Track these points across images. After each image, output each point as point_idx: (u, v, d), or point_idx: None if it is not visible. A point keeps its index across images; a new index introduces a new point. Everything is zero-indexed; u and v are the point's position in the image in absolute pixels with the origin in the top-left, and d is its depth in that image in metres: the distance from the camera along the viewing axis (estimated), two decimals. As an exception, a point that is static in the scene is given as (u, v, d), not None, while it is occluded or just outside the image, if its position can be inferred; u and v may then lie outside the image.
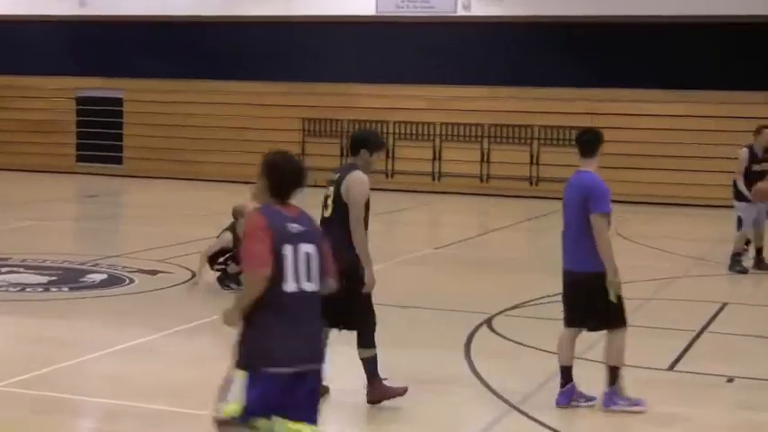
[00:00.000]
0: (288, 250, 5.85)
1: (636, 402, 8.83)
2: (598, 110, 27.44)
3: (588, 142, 9.41)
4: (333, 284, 6.11)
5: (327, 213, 8.75)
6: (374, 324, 8.86)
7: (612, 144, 27.22)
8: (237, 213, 13.87)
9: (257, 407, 5.77)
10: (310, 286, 5.89)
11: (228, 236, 13.74)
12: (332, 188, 8.76)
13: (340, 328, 8.77)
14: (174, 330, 11.52)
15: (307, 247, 5.92)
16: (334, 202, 8.72)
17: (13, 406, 8.67)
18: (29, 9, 32.26)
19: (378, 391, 8.82)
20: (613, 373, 8.83)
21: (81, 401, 8.91)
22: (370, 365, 8.83)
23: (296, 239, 5.89)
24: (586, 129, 9.67)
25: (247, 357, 5.81)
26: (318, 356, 5.98)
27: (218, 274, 13.78)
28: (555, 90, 27.92)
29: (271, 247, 5.80)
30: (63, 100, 32.13)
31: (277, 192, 6.00)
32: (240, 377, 5.80)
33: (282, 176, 6.01)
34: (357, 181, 8.68)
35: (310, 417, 5.93)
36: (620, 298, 8.79)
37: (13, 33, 32.61)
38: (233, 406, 5.82)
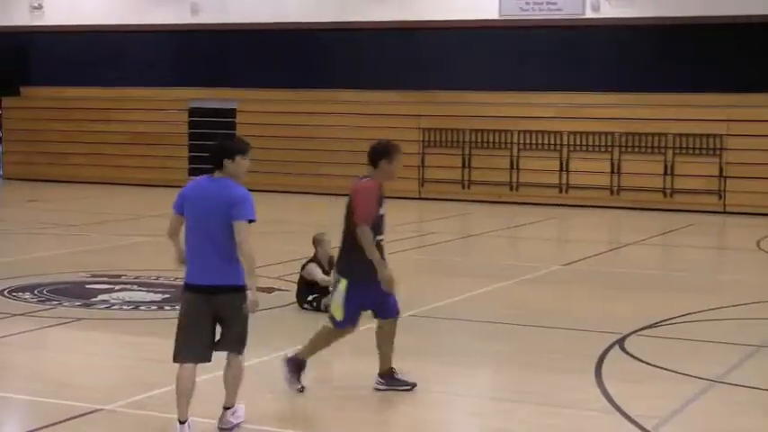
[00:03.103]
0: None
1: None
2: (736, 116, 27.04)
3: None
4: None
5: None
6: None
7: (750, 153, 26.92)
8: (317, 242, 13.97)
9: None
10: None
11: (313, 269, 13.74)
12: None
13: None
14: (289, 350, 11.64)
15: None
16: None
17: (128, 428, 8.87)
18: (139, 19, 32.97)
19: None
20: None
21: (196, 423, 9.07)
22: None
23: None
24: None
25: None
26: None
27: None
28: (690, 96, 27.59)
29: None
30: (175, 112, 32.73)
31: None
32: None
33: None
34: None
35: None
36: None
37: (123, 44, 33.34)
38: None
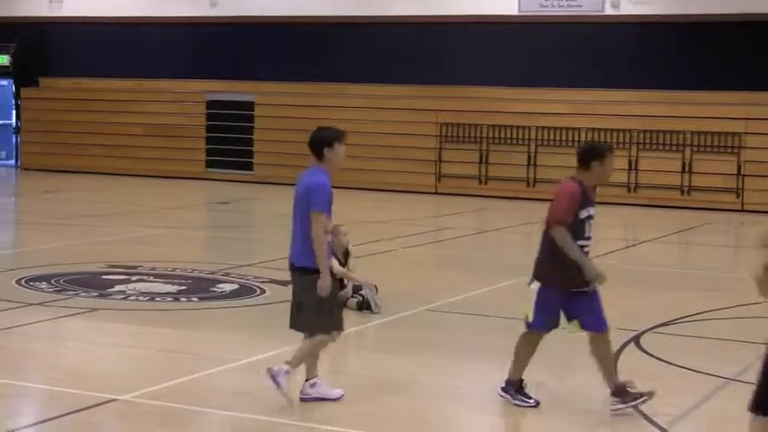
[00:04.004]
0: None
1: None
2: (755, 114, 26.96)
3: None
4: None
5: None
6: None
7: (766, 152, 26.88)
8: (333, 233, 13.92)
9: None
10: None
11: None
12: None
13: None
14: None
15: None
16: None
17: (141, 418, 8.90)
18: (158, 11, 33.01)
19: None
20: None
21: (211, 414, 9.10)
22: None
23: None
24: None
25: None
26: None
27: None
28: (708, 94, 27.52)
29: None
30: (193, 104, 32.76)
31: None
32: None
33: None
34: None
35: None
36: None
37: (141, 36, 33.40)
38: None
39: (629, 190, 28.06)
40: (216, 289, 14.62)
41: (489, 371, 10.41)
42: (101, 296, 13.88)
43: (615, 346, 11.44)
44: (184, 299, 13.91)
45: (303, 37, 31.42)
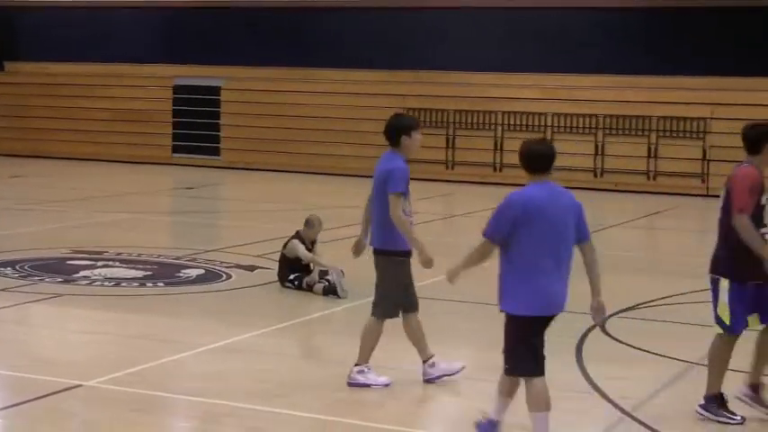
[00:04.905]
0: None
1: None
2: (720, 100, 27.09)
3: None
4: None
5: None
6: None
7: (733, 137, 26.94)
8: (308, 223, 13.92)
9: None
10: None
11: (296, 244, 13.72)
12: None
13: None
14: (271, 328, 11.67)
15: None
16: None
17: (108, 404, 8.88)
18: (125, -5, 32.90)
19: None
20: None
21: (177, 400, 9.08)
22: None
23: None
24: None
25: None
26: None
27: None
28: (674, 79, 27.63)
29: None
30: (159, 89, 32.62)
31: None
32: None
33: None
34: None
35: None
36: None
37: (108, 20, 33.22)
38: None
39: (595, 175, 28.15)
40: (181, 274, 14.59)
41: (458, 355, 10.43)
42: (66, 282, 13.83)
43: (580, 331, 11.52)
44: (150, 284, 13.88)
45: (270, 22, 31.33)
